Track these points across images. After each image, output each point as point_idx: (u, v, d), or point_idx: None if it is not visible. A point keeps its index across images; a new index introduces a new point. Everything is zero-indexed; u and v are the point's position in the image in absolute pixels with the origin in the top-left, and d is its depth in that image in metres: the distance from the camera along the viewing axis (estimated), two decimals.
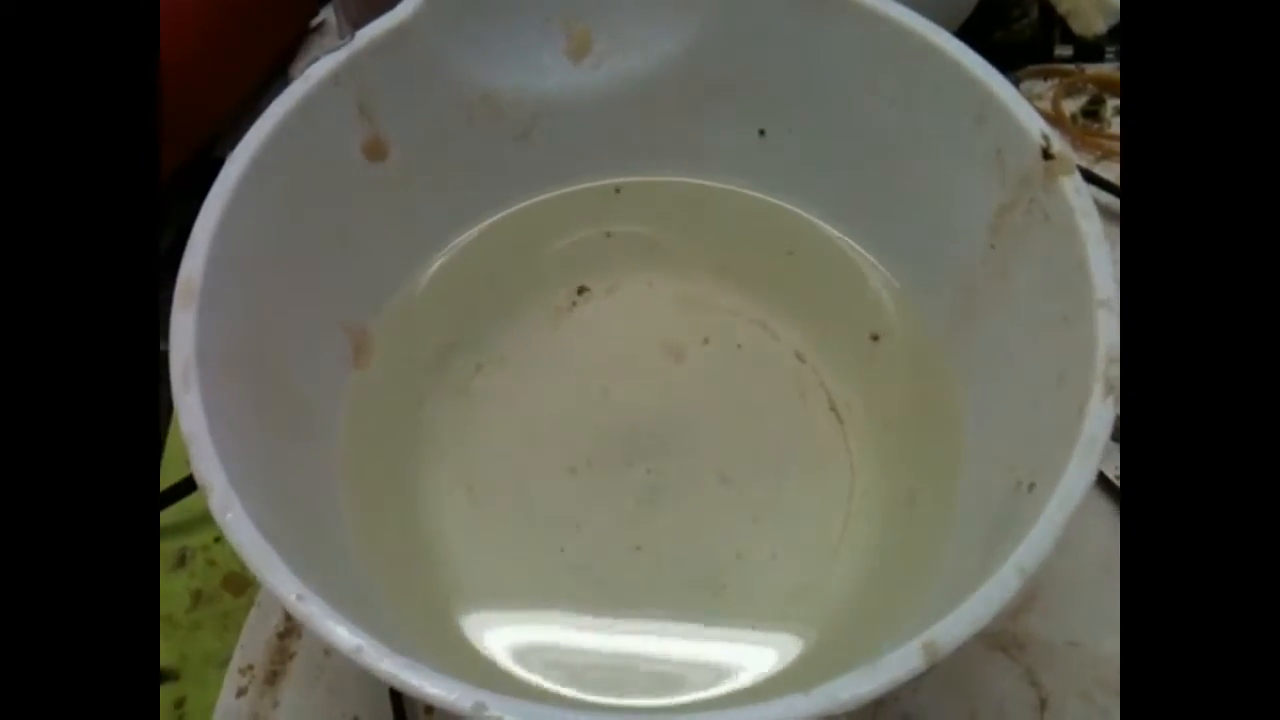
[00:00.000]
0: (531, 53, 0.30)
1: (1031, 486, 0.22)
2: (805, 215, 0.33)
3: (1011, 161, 0.25)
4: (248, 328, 0.25)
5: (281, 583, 0.19)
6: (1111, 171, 0.39)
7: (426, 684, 0.18)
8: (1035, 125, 0.24)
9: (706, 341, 0.33)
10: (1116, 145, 0.40)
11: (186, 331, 0.22)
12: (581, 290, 0.34)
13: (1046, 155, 0.24)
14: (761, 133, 0.32)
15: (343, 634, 0.19)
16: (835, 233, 0.32)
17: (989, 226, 0.26)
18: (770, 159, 0.32)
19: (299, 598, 0.19)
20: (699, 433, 0.31)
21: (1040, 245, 0.25)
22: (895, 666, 0.18)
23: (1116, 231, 0.38)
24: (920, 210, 0.29)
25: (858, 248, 0.32)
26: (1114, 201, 0.38)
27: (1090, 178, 0.38)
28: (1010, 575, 0.19)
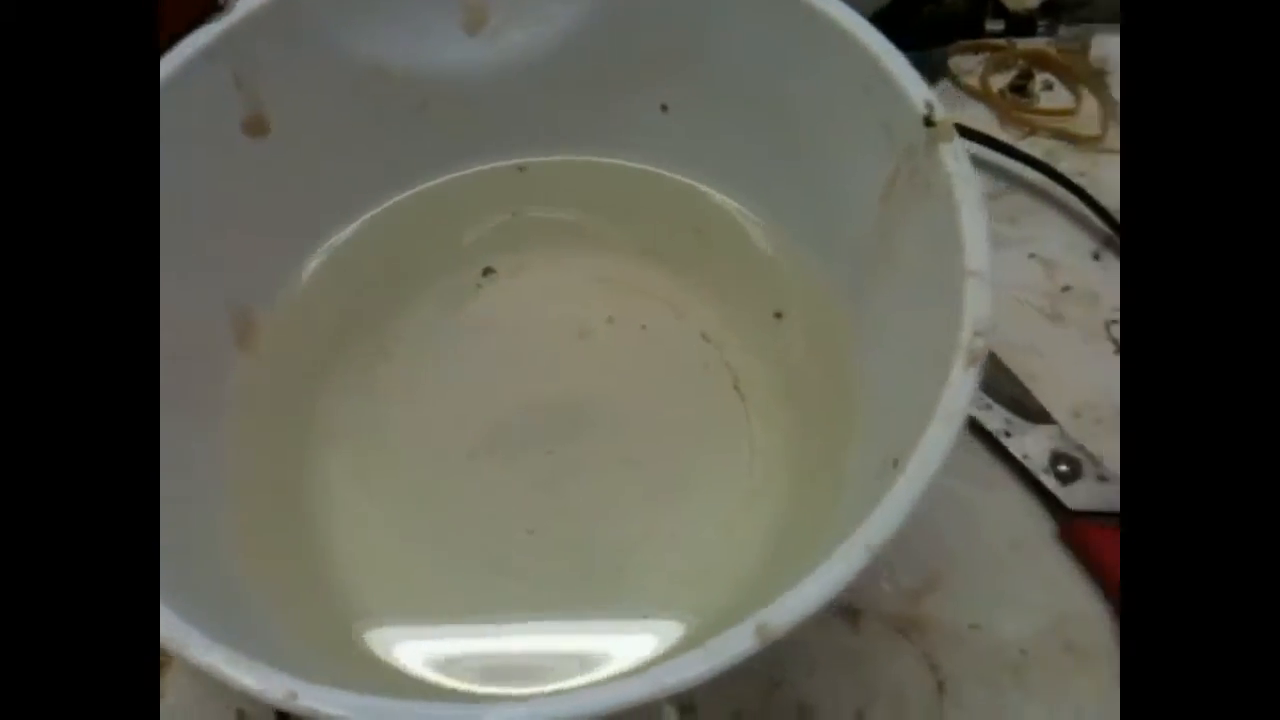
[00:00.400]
0: (424, 24, 0.29)
1: (896, 463, 0.21)
2: (710, 192, 0.32)
3: (897, 130, 0.24)
4: None
5: None
6: (1038, 147, 0.39)
7: (240, 674, 0.18)
8: (919, 93, 0.24)
9: (611, 321, 0.32)
10: (1044, 120, 0.39)
11: None
12: (487, 271, 0.33)
13: (929, 123, 0.23)
14: (664, 108, 0.31)
15: (171, 627, 0.18)
16: (740, 209, 0.32)
17: (880, 198, 0.26)
18: (673, 134, 0.31)
19: None
20: (602, 414, 0.31)
21: (923, 215, 0.24)
22: (727, 648, 0.18)
23: (1019, 201, 0.38)
24: (818, 183, 0.28)
25: (760, 222, 0.32)
26: (1040, 179, 0.38)
27: (1016, 154, 0.38)
28: (854, 552, 0.19)
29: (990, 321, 0.21)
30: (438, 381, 0.31)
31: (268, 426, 0.29)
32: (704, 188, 0.32)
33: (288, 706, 0.17)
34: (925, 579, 0.32)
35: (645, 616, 0.28)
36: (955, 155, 0.23)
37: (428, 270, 0.33)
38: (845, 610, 0.31)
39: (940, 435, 0.20)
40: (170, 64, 0.26)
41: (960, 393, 0.20)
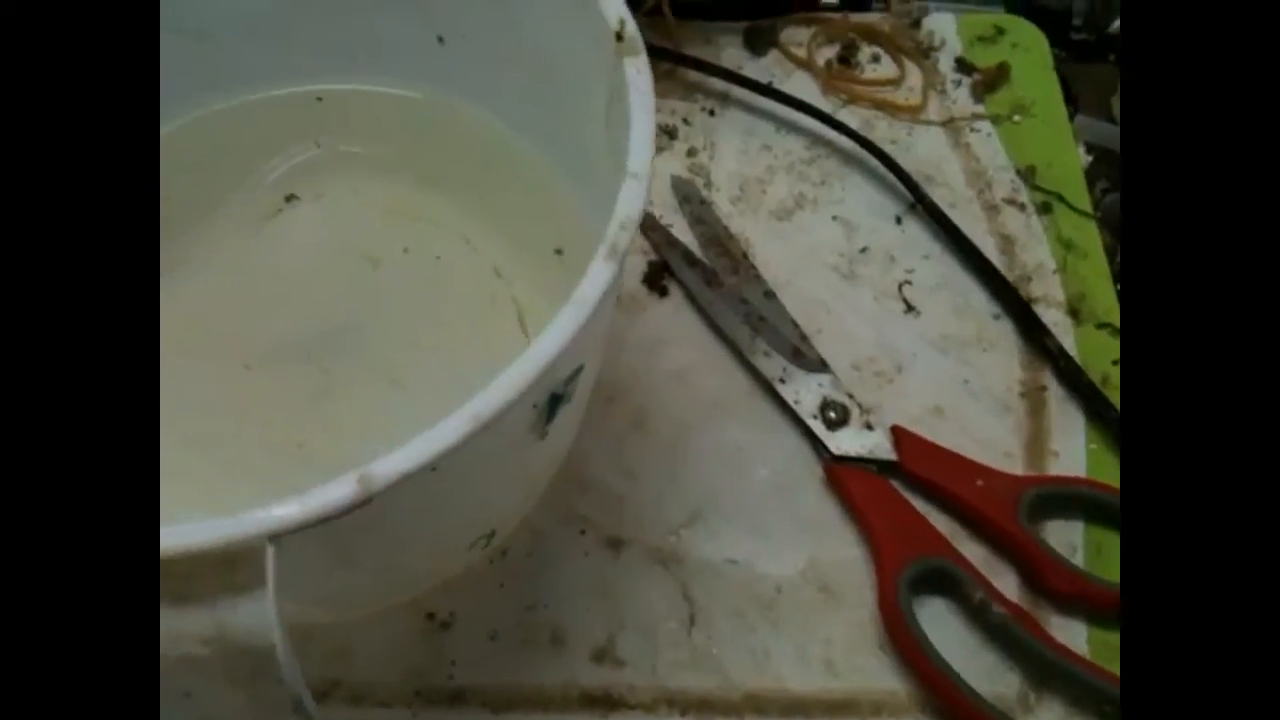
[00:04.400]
0: None
1: None
2: (495, 123, 0.33)
3: (604, 50, 0.25)
4: None
5: None
6: (856, 116, 0.40)
7: None
8: (614, 11, 0.25)
9: (406, 251, 0.33)
10: (865, 90, 0.40)
11: None
12: (290, 198, 0.34)
13: (619, 38, 0.24)
14: (440, 40, 0.32)
15: None
16: (521, 141, 0.33)
17: (604, 120, 0.27)
18: (454, 67, 0.32)
19: None
20: (383, 339, 0.32)
21: (619, 126, 0.25)
22: (326, 494, 0.19)
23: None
24: (570, 112, 0.29)
25: (541, 156, 0.32)
26: (852, 145, 0.39)
27: (828, 120, 0.39)
28: (462, 420, 0.20)
29: (636, 220, 0.22)
30: (225, 295, 0.32)
31: None
32: (492, 119, 0.33)
33: None
34: (690, 513, 0.32)
35: None
36: (638, 68, 0.24)
37: (230, 190, 0.33)
38: (609, 540, 0.32)
39: (567, 319, 0.21)
40: None
41: (594, 281, 0.21)
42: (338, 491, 0.19)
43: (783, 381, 0.34)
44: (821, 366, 0.34)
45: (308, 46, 0.32)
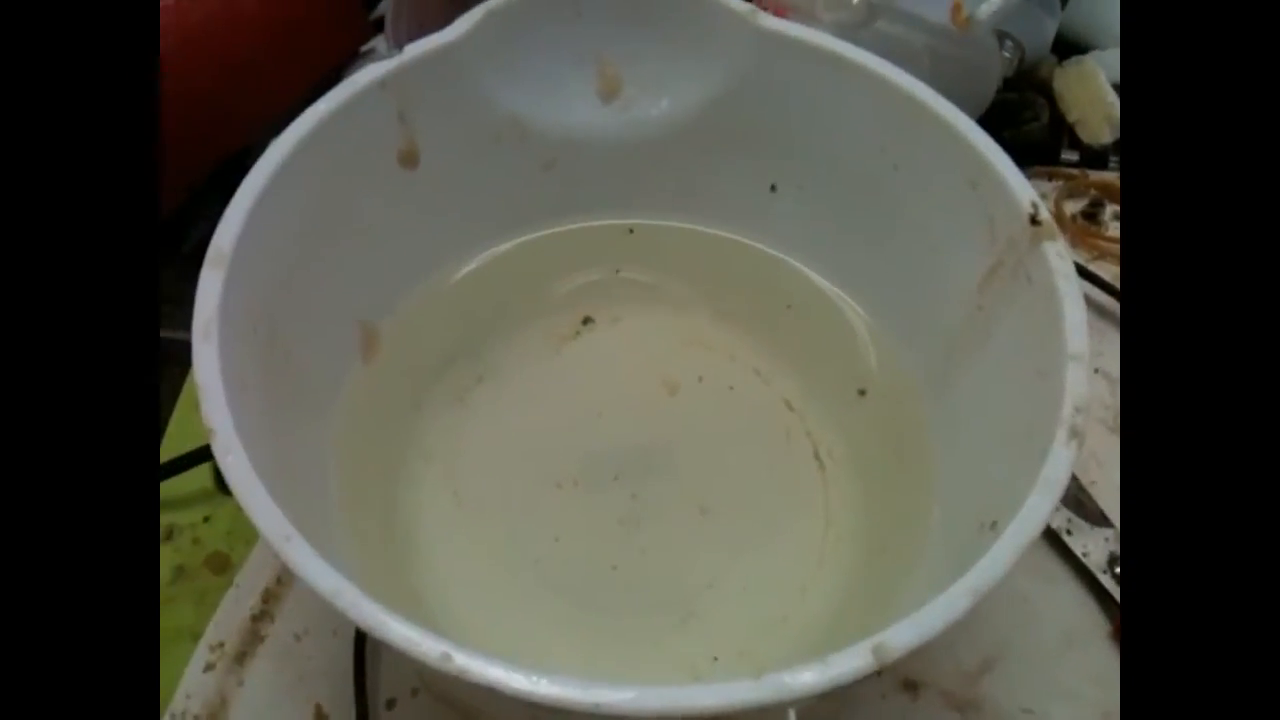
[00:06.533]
0: (564, 89, 0.32)
1: (994, 525, 0.23)
2: (806, 270, 0.34)
3: (1001, 226, 0.27)
4: (268, 301, 0.26)
5: (271, 523, 0.20)
6: (1106, 270, 0.41)
7: (401, 630, 0.19)
8: (1025, 194, 0.26)
9: (701, 380, 0.34)
10: (1112, 246, 0.42)
11: (213, 290, 0.23)
12: (586, 320, 0.35)
13: (1034, 221, 0.25)
14: (773, 188, 0.33)
15: (326, 576, 0.19)
16: (833, 289, 0.34)
17: (977, 288, 0.28)
18: (779, 213, 0.34)
19: (287, 538, 0.20)
20: (685, 464, 0.32)
21: (1021, 305, 0.26)
22: (844, 663, 0.19)
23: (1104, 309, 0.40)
24: (915, 271, 0.31)
25: (853, 304, 0.34)
26: (1107, 300, 0.40)
27: (1085, 274, 0.40)
28: (961, 594, 0.20)
29: (1087, 401, 0.23)
30: (530, 413, 0.33)
31: (373, 428, 0.30)
32: (803, 266, 0.34)
33: (441, 666, 0.18)
34: (983, 661, 0.33)
35: (714, 661, 0.29)
36: (1059, 252, 0.25)
37: (532, 311, 0.35)
38: (906, 682, 0.32)
39: (1041, 501, 0.21)
40: (345, 91, 0.28)
41: (1061, 463, 0.22)
42: (855, 662, 0.19)
43: (1069, 533, 0.34)
44: (1103, 520, 0.35)
45: (638, 184, 0.34)
